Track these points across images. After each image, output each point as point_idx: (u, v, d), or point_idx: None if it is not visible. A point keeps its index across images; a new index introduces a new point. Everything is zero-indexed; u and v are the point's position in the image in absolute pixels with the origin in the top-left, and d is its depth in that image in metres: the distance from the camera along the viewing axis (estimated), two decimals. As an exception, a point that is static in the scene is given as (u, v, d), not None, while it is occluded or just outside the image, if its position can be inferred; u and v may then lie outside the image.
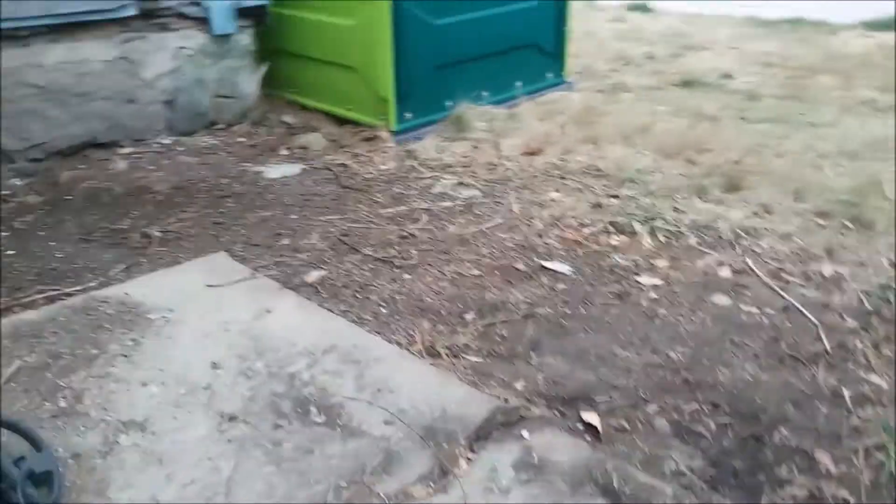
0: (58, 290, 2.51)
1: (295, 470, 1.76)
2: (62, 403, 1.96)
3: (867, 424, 1.87)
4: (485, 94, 4.45)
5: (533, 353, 2.23)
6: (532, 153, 3.92)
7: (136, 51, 3.84)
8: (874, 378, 2.06)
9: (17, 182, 3.42)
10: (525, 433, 1.86)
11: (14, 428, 1.81)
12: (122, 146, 3.83)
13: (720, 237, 2.93)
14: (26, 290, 2.50)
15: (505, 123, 4.26)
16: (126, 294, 2.47)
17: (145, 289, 2.51)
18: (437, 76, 4.17)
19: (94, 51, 3.71)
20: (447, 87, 4.25)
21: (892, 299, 2.44)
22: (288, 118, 4.36)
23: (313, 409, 1.96)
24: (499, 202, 3.34)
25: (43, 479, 1.66)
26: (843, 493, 1.67)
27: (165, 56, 3.96)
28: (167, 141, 3.95)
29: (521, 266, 2.76)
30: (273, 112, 4.41)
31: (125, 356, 2.16)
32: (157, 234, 2.95)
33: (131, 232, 2.97)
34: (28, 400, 1.96)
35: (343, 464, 1.77)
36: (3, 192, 3.29)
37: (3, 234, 2.94)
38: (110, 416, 1.93)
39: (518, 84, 4.68)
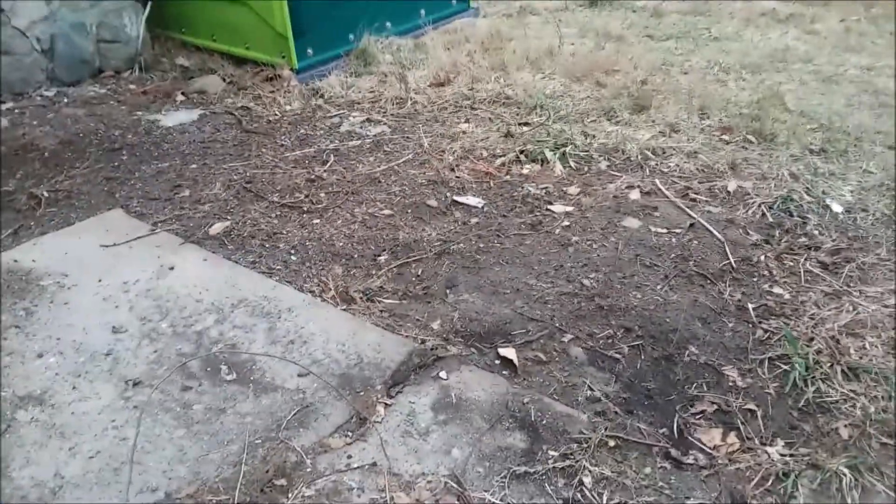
0: (-66, 263, 2.31)
1: (206, 432, 1.70)
2: (-52, 385, 1.83)
3: (771, 336, 1.94)
4: (388, 25, 4.29)
5: (448, 290, 2.21)
6: (440, 84, 3.82)
7: (1, -4, 3.50)
8: (777, 290, 2.14)
9: None
10: (443, 373, 1.85)
11: None
12: (0, 101, 3.52)
13: (629, 159, 2.95)
14: None
15: (411, 55, 4.13)
16: (14, 261, 2.31)
17: (35, 253, 2.35)
18: (336, 8, 3.98)
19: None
20: (348, 20, 4.07)
21: (792, 211, 2.52)
22: (182, 61, 4.10)
23: (223, 368, 1.90)
24: (408, 137, 3.25)
25: (-69, 469, 1.55)
26: (750, 405, 1.73)
27: (38, 3, 3.62)
28: (50, 93, 3.66)
29: (433, 202, 2.71)
30: (165, 55, 4.15)
31: (17, 327, 2.03)
32: (46, 194, 2.74)
33: (17, 193, 2.76)
34: None
35: (257, 421, 1.73)
36: None
37: None
38: (5, 391, 1.82)
39: (422, 13, 4.53)
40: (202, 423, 1.73)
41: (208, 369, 1.89)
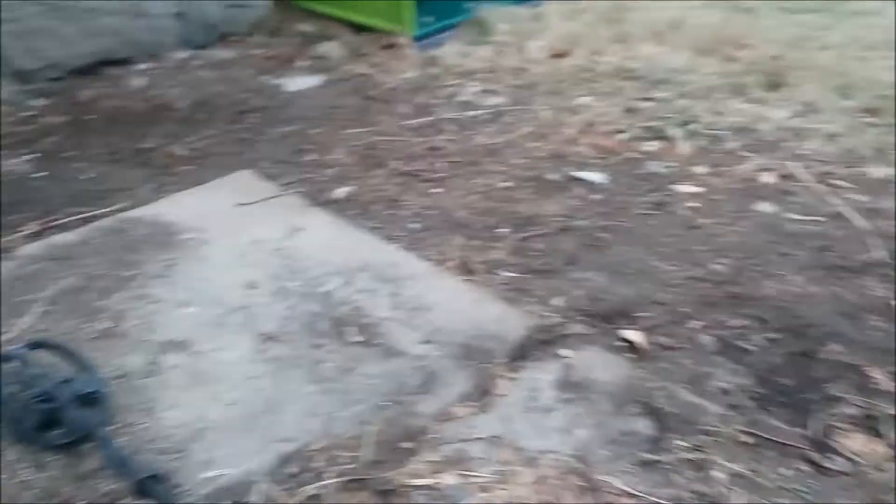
0: (89, 211, 2.48)
1: (335, 389, 1.77)
2: (104, 325, 1.96)
3: (921, 336, 1.83)
4: (507, -7, 4.23)
5: (570, 267, 2.18)
6: (559, 55, 3.74)
7: (141, -40, 3.67)
8: (927, 287, 2.00)
9: (39, 102, 3.35)
10: (565, 352, 1.84)
11: (59, 349, 1.83)
12: (137, 62, 3.71)
13: (762, 140, 2.81)
14: (58, 213, 2.47)
15: (529, 25, 4.06)
16: (156, 214, 2.45)
17: (175, 209, 2.49)
18: (458, -24, 3.96)
19: (98, -38, 3.55)
20: (468, -12, 4.04)
21: (944, 202, 2.34)
22: (304, 27, 4.19)
23: (350, 329, 1.95)
24: (526, 109, 3.22)
25: (91, 400, 1.68)
26: (897, 410, 1.64)
27: (172, -36, 3.79)
28: (183, 55, 3.83)
29: (553, 176, 2.68)
30: (288, 21, 4.24)
31: (161, 277, 2.16)
32: (182, 152, 2.89)
33: (156, 151, 2.92)
34: (70, 322, 1.98)
35: (383, 383, 1.78)
36: (27, 114, 3.23)
37: (31, 155, 2.90)
38: (151, 336, 1.94)
39: (543, -18, 4.43)
40: (331, 380, 1.79)
41: (336, 329, 1.95)
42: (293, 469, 1.56)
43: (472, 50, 3.84)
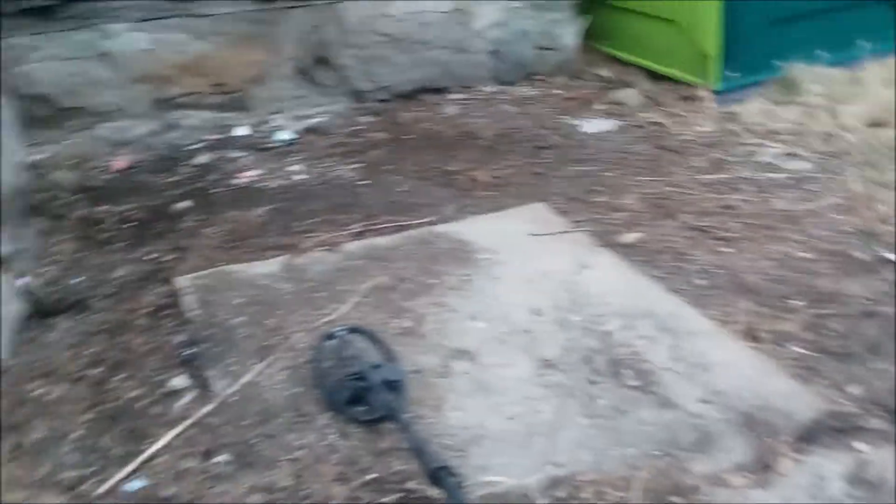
0: (402, 221, 2.82)
1: (608, 427, 1.83)
2: (406, 323, 2.23)
3: None
4: (821, 53, 3.97)
5: (871, 356, 2.02)
6: (878, 124, 3.45)
7: (469, 3, 4.07)
8: None
9: (367, 119, 3.88)
10: (860, 445, 1.71)
11: (372, 338, 2.12)
12: (451, 92, 4.12)
13: None
14: (377, 218, 2.85)
15: (844, 88, 3.78)
16: (458, 232, 2.71)
17: (474, 229, 2.73)
18: (768, 32, 3.82)
19: (433, 2, 4.00)
20: (778, 45, 3.87)
21: None
22: (604, 72, 4.33)
23: (627, 372, 2.00)
24: (834, 178, 3.02)
25: (394, 386, 1.92)
26: None
27: (494, 8, 4.14)
28: (491, 89, 4.17)
29: (859, 255, 2.49)
30: (589, 65, 4.41)
31: (457, 289, 2.39)
32: (484, 178, 3.16)
33: (461, 174, 3.22)
34: (378, 315, 2.27)
35: (656, 432, 1.80)
36: (356, 128, 3.77)
37: (358, 165, 3.37)
38: (444, 341, 2.16)
39: (861, 43, 4.09)
40: (604, 417, 1.86)
41: (612, 369, 2.01)
42: (561, 493, 1.65)
43: (776, 109, 3.68)
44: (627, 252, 2.56)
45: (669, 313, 2.22)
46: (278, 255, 2.61)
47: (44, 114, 3.51)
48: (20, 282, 2.53)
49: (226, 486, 1.71)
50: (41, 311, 2.42)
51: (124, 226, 2.93)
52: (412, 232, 2.74)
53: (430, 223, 2.79)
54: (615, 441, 1.78)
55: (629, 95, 4.00)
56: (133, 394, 2.03)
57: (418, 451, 1.71)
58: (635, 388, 1.95)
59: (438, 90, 4.10)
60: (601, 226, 2.74)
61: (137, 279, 2.56)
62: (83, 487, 1.74)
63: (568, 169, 3.23)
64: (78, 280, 2.59)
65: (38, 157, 3.43)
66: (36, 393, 2.05)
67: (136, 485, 1.75)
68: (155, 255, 2.71)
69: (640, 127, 3.65)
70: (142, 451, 1.83)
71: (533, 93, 4.14)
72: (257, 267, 2.55)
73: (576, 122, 3.74)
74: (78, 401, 2.02)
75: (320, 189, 3.16)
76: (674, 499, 1.62)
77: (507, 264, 2.51)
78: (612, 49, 4.42)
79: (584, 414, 1.87)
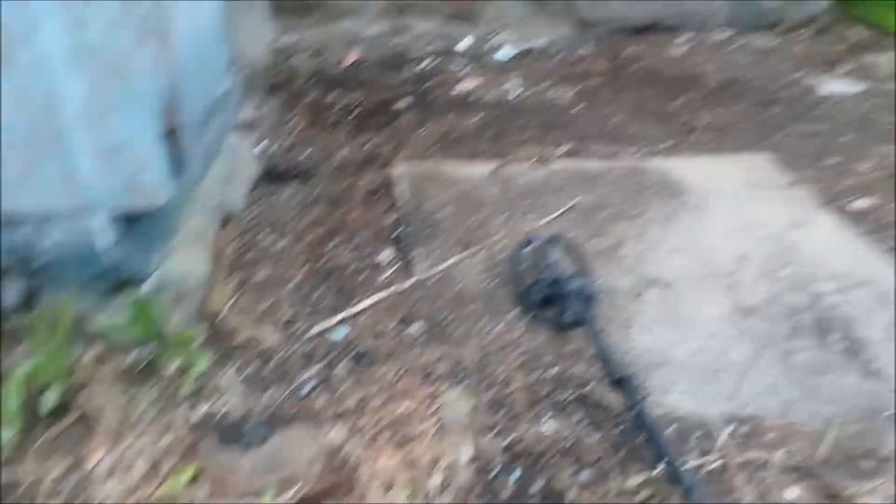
0: (612, 149, 2.80)
1: (803, 382, 1.76)
2: (606, 244, 2.25)
3: None
4: None
5: None
6: None
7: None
8: None
9: (588, 50, 3.83)
10: None
11: (572, 250, 2.16)
12: (680, 33, 3.95)
13: None
14: (588, 143, 2.85)
15: None
16: (669, 169, 2.65)
17: (685, 169, 2.65)
18: None
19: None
20: None
21: None
22: (855, 32, 3.93)
23: (833, 335, 1.90)
24: None
25: (586, 298, 1.96)
26: None
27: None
28: (724, 35, 3.94)
29: None
30: (840, 23, 4.02)
31: (661, 222, 2.35)
32: (702, 121, 3.04)
33: (679, 115, 3.12)
34: (580, 231, 2.30)
35: (855, 398, 1.71)
36: (577, 56, 3.74)
37: (574, 91, 3.36)
38: (641, 268, 2.15)
39: None
40: (800, 371, 1.79)
41: (818, 329, 1.92)
42: (744, 430, 1.63)
43: None
44: (854, 219, 2.38)
45: (891, 287, 2.06)
46: (488, 162, 2.70)
47: (293, 4, 3.82)
48: (258, 147, 2.83)
49: (418, 351, 1.86)
50: (272, 175, 2.70)
51: (349, 114, 3.15)
52: (622, 162, 2.71)
53: (642, 155, 2.74)
54: (809, 396, 1.72)
55: (881, 61, 3.61)
56: (345, 258, 2.23)
57: (605, 358, 1.76)
58: (840, 351, 1.85)
59: (667, 29, 3.94)
60: (827, 188, 2.55)
61: (357, 161, 2.77)
62: (297, 325, 1.96)
63: (798, 126, 3.01)
64: (305, 154, 2.84)
65: (283, 42, 3.75)
66: (263, 243, 2.32)
67: (341, 332, 1.94)
68: (374, 142, 2.90)
69: (889, 95, 3.30)
70: (348, 307, 2.02)
71: (770, 44, 3.85)
72: (467, 168, 2.66)
73: (813, 80, 3.45)
74: (298, 255, 2.25)
75: (534, 108, 3.19)
76: (864, 462, 1.55)
77: (717, 208, 2.42)
78: (869, 13, 3.99)
79: (778, 364, 1.81)
